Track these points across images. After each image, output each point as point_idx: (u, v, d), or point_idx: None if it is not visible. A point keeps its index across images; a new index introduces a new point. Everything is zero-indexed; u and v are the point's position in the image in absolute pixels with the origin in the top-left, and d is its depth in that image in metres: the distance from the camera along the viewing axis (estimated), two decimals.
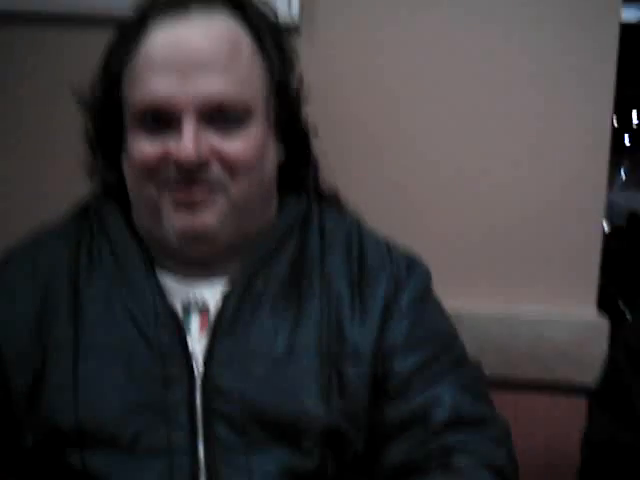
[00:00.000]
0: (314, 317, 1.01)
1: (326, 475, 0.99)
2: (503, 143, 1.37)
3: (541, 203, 1.37)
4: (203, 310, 1.01)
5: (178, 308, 1.00)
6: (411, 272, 1.07)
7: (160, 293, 1.00)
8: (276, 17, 1.08)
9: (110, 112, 1.02)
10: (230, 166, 0.97)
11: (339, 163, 1.20)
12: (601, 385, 1.11)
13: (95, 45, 1.04)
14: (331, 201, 1.15)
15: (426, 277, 1.10)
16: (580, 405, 1.29)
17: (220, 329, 0.98)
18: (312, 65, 1.14)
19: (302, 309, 1.01)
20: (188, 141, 0.94)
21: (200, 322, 1.00)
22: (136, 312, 0.98)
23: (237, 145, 0.97)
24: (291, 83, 1.07)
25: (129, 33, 1.00)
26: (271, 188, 1.06)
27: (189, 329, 1.00)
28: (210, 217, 0.97)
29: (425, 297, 1.08)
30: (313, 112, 1.12)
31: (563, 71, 1.35)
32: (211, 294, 1.02)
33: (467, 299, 1.35)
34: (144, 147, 0.97)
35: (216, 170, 0.96)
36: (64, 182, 1.19)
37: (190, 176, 0.95)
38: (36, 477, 1.00)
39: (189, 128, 0.94)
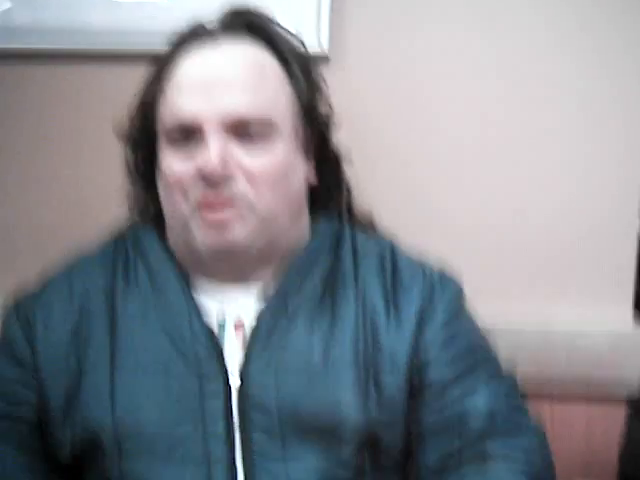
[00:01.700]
0: (349, 329, 1.03)
1: None
2: (536, 151, 1.39)
3: (574, 210, 1.39)
4: (238, 325, 1.04)
5: (213, 324, 1.04)
6: (445, 287, 1.10)
7: (195, 311, 1.04)
8: (303, 46, 1.13)
9: (147, 140, 1.07)
10: (255, 180, 1.00)
11: (370, 188, 1.23)
12: None
13: (132, 79, 1.10)
14: (364, 224, 1.19)
15: (460, 292, 1.12)
16: (617, 414, 1.30)
17: (255, 344, 1.02)
18: (341, 93, 1.18)
19: (337, 321, 1.04)
20: (213, 152, 0.98)
21: (235, 337, 1.04)
22: (172, 330, 1.02)
23: (262, 160, 1.01)
24: (318, 107, 1.11)
25: (162, 65, 1.06)
26: (300, 206, 1.10)
27: (224, 345, 1.03)
28: (239, 233, 1.00)
29: (459, 312, 1.10)
30: (344, 139, 1.16)
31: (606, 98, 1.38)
32: (245, 309, 1.05)
33: (501, 310, 1.36)
34: (174, 164, 1.02)
35: (241, 185, 1.00)
36: (106, 210, 1.23)
37: (217, 191, 0.99)
38: None
39: (214, 141, 0.99)
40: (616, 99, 1.37)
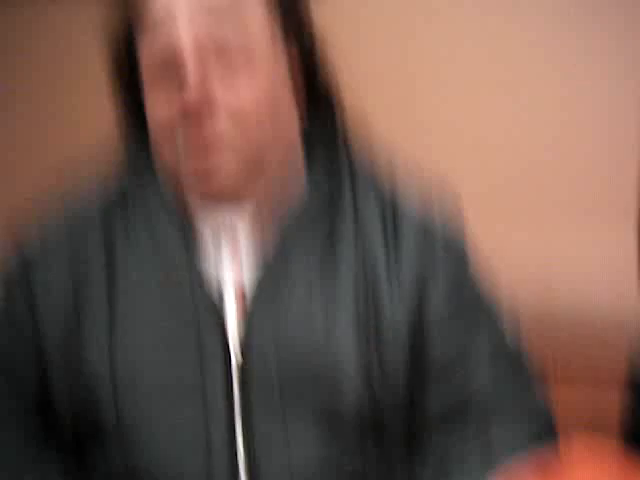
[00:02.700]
0: (349, 293, 0.97)
1: (364, 473, 0.98)
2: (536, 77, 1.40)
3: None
4: (238, 289, 0.98)
5: (214, 290, 0.97)
6: (449, 249, 1.02)
7: (198, 280, 0.97)
8: None
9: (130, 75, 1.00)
10: (238, 116, 0.93)
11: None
12: None
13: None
14: (363, 160, 1.08)
15: (464, 252, 1.05)
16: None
17: (256, 313, 0.96)
18: (337, 29, 1.10)
19: (337, 284, 0.98)
20: (191, 78, 0.90)
21: (235, 300, 0.98)
22: (173, 301, 0.97)
23: (244, 93, 0.93)
24: (303, 25, 1.02)
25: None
26: (290, 143, 1.02)
27: (226, 315, 0.97)
28: (225, 178, 0.95)
29: (463, 278, 1.03)
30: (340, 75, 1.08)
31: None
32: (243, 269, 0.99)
33: (502, 238, 1.34)
34: (156, 106, 0.95)
35: (223, 123, 0.92)
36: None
37: (199, 129, 0.92)
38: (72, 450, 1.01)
39: (191, 69, 0.91)
40: (618, 33, 1.38)
